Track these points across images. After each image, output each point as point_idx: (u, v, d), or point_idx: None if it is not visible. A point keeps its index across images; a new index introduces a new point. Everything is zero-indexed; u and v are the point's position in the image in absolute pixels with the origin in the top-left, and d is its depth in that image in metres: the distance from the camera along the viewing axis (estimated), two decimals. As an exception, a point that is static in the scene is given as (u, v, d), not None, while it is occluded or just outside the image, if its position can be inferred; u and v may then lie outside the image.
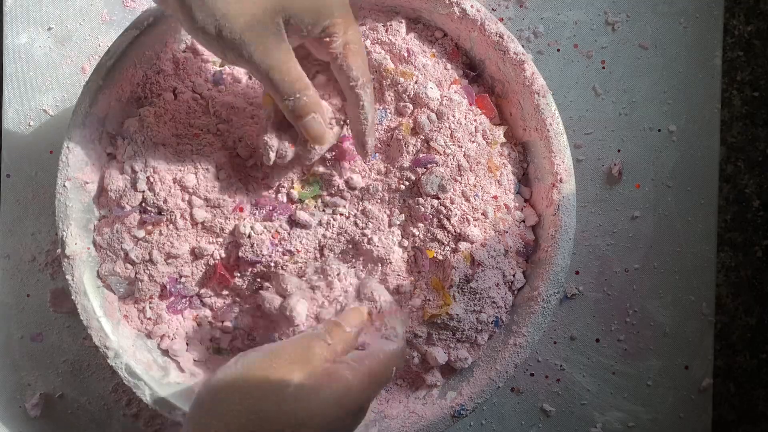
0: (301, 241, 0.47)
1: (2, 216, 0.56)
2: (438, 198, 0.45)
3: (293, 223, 0.47)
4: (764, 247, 0.59)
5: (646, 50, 0.55)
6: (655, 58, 0.55)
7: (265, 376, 0.38)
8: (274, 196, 0.47)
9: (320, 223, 0.47)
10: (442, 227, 0.46)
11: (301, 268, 0.47)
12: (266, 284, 0.47)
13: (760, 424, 0.58)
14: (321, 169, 0.47)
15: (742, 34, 0.59)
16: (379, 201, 0.47)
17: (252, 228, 0.46)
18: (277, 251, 0.47)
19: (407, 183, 0.46)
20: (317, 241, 0.47)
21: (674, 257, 0.54)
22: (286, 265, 0.47)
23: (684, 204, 0.54)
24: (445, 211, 0.45)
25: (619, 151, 0.55)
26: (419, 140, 0.46)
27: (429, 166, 0.45)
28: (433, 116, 0.46)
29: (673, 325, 0.54)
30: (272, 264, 0.47)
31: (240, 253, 0.46)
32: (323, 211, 0.47)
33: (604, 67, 0.55)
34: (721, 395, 0.59)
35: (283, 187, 0.47)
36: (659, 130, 0.54)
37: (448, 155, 0.45)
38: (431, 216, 0.46)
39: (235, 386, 0.38)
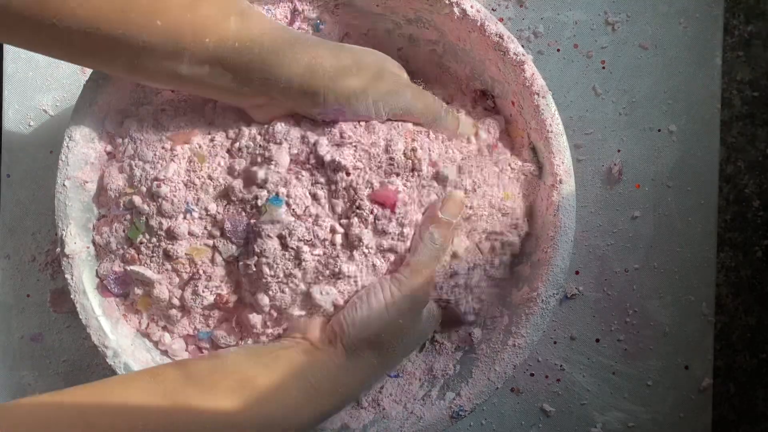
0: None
1: (2, 216, 0.56)
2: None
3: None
4: (764, 247, 0.59)
5: (646, 50, 0.54)
6: (655, 58, 0.54)
7: None
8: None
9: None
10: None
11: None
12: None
13: (760, 424, 0.58)
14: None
15: (742, 34, 0.59)
16: None
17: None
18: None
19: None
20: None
21: (674, 257, 0.54)
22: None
23: (684, 204, 0.54)
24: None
25: (619, 151, 0.55)
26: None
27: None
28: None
29: (673, 325, 0.54)
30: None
31: None
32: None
33: (604, 67, 0.55)
34: (721, 395, 0.59)
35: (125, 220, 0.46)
36: (659, 130, 0.54)
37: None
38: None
39: None
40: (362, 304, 0.43)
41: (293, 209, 0.43)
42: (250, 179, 0.44)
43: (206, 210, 0.44)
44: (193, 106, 0.47)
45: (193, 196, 0.44)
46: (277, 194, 0.43)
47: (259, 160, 0.44)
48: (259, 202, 0.43)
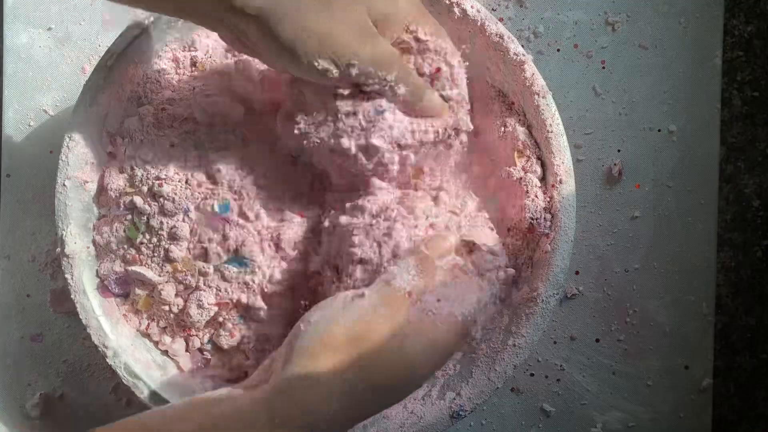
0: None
1: (2, 216, 0.56)
2: None
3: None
4: (764, 247, 0.59)
5: (646, 50, 0.54)
6: (655, 58, 0.54)
7: (353, 328, 0.37)
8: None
9: None
10: None
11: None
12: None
13: (760, 424, 0.58)
14: None
15: (742, 34, 0.59)
16: None
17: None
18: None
19: None
20: None
21: (674, 257, 0.54)
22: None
23: (684, 204, 0.54)
24: None
25: (619, 151, 0.55)
26: None
27: None
28: None
29: (673, 325, 0.54)
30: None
31: None
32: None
33: (604, 67, 0.55)
34: (721, 395, 0.59)
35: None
36: (659, 130, 0.54)
37: None
38: None
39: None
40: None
41: None
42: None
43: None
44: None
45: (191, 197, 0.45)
46: None
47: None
48: None
